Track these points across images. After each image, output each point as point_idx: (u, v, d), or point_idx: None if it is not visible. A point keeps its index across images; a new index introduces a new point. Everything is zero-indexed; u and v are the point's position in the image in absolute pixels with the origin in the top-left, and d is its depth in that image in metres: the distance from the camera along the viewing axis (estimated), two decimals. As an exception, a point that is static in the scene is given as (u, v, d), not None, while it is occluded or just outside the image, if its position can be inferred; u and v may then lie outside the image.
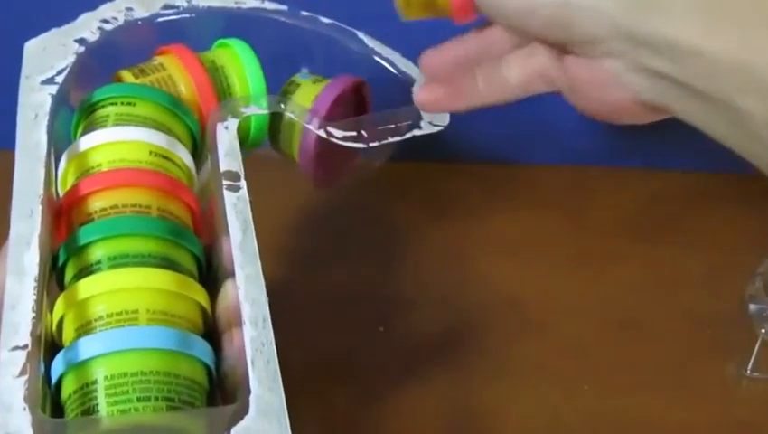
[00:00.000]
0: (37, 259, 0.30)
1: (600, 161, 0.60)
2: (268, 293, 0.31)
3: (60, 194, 0.35)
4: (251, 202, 0.34)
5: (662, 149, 0.61)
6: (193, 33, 0.42)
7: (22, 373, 0.27)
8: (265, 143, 0.43)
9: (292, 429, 0.28)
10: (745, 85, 0.22)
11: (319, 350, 0.47)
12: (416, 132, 0.39)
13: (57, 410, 0.29)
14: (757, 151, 0.24)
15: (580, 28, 0.27)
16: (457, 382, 0.46)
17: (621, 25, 0.25)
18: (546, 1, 0.27)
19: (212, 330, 0.33)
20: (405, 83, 0.43)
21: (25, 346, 0.27)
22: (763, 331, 0.46)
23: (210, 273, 0.34)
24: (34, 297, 0.29)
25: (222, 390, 0.31)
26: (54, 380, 0.29)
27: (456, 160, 0.63)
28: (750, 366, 0.46)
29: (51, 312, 0.31)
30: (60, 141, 0.36)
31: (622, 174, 0.59)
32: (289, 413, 0.28)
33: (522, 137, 0.59)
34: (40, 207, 0.31)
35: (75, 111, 0.37)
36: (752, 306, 0.46)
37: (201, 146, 0.38)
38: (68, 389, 0.29)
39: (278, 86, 0.43)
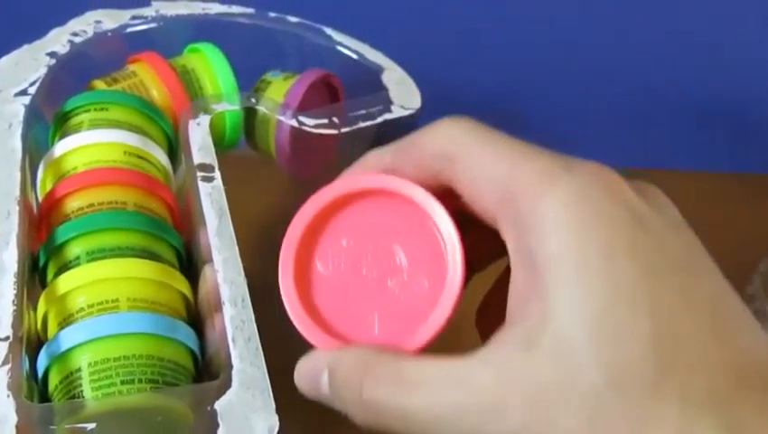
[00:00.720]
0: (16, 257, 0.30)
1: (599, 161, 0.61)
2: (259, 290, 0.31)
3: (40, 200, 0.36)
4: (235, 191, 0.34)
5: (661, 149, 0.62)
6: (163, 42, 0.43)
7: (4, 363, 0.27)
8: (241, 143, 0.43)
9: (277, 409, 0.28)
10: None
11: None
12: (388, 116, 0.40)
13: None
14: None
15: None
16: None
17: None
18: None
19: (196, 319, 0.33)
20: (375, 72, 0.44)
21: (7, 338, 0.28)
22: (762, 331, 0.45)
23: (191, 268, 0.35)
24: (14, 292, 0.29)
25: (208, 374, 0.32)
26: (41, 375, 0.30)
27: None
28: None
29: (35, 310, 0.31)
30: (36, 153, 0.37)
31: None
32: (282, 412, 0.28)
33: (521, 137, 0.60)
34: (17, 208, 0.32)
35: (50, 123, 0.38)
36: (752, 306, 0.46)
37: (176, 148, 0.39)
38: (54, 381, 0.29)
39: (251, 86, 0.44)
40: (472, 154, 0.22)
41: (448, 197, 0.24)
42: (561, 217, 0.20)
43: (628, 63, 0.60)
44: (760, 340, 0.20)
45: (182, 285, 0.32)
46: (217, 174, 0.35)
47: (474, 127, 0.23)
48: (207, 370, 0.32)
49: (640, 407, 0.19)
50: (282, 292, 0.25)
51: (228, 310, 0.30)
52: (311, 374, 0.24)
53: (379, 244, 0.25)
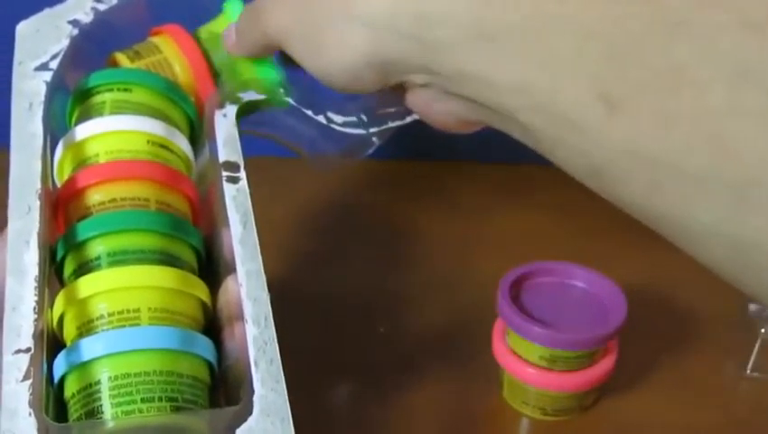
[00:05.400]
0: (36, 259, 0.30)
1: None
2: (270, 291, 0.31)
3: (57, 183, 0.35)
4: (251, 193, 0.33)
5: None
6: (189, 9, 0.41)
7: (26, 378, 0.27)
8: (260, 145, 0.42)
9: (295, 428, 0.28)
10: (523, 103, 0.26)
11: (320, 349, 0.47)
12: (416, 116, 0.39)
13: (59, 407, 0.30)
14: (557, 159, 0.27)
15: (391, 77, 0.31)
16: (458, 382, 0.46)
17: (418, 64, 0.29)
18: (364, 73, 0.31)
19: (213, 324, 0.33)
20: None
21: (28, 349, 0.28)
22: (762, 331, 0.45)
23: (211, 264, 0.34)
24: (35, 298, 0.29)
25: (225, 383, 0.32)
26: (57, 378, 0.29)
27: (460, 160, 0.62)
28: (750, 366, 0.46)
29: (52, 307, 0.31)
30: (56, 125, 0.35)
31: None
32: (291, 412, 0.28)
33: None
34: (38, 202, 0.31)
35: (70, 95, 0.37)
36: (752, 306, 0.46)
37: (198, 131, 0.38)
38: (71, 388, 0.29)
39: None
40: None
41: None
42: None
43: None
44: None
45: (202, 292, 0.32)
46: (242, 173, 0.34)
47: None
48: (223, 379, 0.32)
49: None
50: None
51: (250, 330, 0.30)
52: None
53: None
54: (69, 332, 0.30)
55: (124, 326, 0.29)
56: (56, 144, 0.35)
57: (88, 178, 0.33)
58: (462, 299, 0.51)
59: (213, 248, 0.34)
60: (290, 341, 0.31)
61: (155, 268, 0.31)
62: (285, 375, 0.29)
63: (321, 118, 0.38)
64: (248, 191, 0.34)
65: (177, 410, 0.29)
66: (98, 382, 0.28)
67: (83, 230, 0.31)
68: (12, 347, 0.27)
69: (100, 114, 0.35)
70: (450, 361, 0.47)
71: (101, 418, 0.28)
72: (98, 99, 0.35)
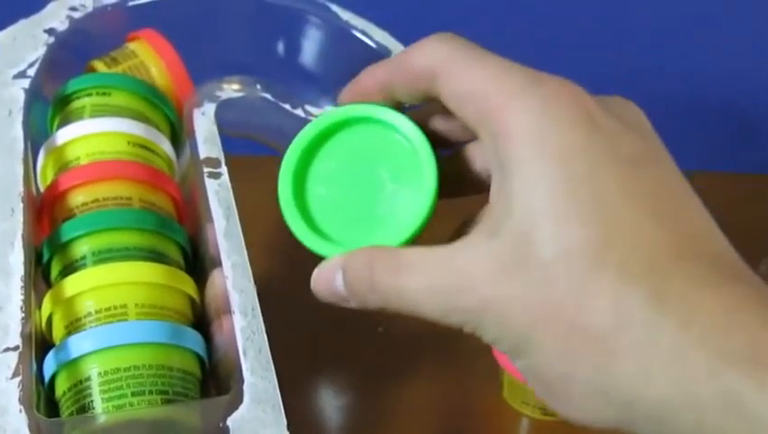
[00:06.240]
0: (22, 259, 0.30)
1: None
2: (266, 292, 0.31)
3: (41, 189, 0.35)
4: (238, 192, 0.34)
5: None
6: (167, 16, 0.41)
7: (15, 375, 0.27)
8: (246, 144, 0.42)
9: (287, 418, 0.28)
10: None
11: (318, 349, 0.47)
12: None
13: (51, 406, 0.30)
14: None
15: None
16: (458, 381, 0.46)
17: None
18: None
19: (202, 319, 0.33)
20: (382, 55, 0.43)
21: (16, 347, 0.28)
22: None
23: (197, 261, 0.34)
24: (22, 297, 0.29)
25: (215, 377, 0.32)
26: (47, 378, 0.29)
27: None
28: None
29: (40, 309, 0.31)
30: (36, 134, 0.36)
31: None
32: (287, 412, 0.28)
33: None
34: (21, 205, 0.31)
35: (50, 104, 0.37)
36: None
37: (180, 132, 0.38)
38: (62, 387, 0.29)
39: (253, 63, 0.43)
40: (455, 70, 0.24)
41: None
42: (523, 125, 0.23)
43: (626, 63, 0.60)
44: (703, 219, 0.23)
45: (189, 286, 0.32)
46: (223, 168, 0.34)
47: (460, 44, 0.25)
48: (214, 373, 0.32)
49: (581, 279, 0.21)
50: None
51: (238, 320, 0.30)
52: (327, 276, 0.26)
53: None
54: (57, 332, 0.30)
55: (111, 322, 0.29)
56: (37, 151, 0.35)
57: (71, 180, 0.33)
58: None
59: (199, 245, 0.34)
60: (285, 340, 0.31)
61: (141, 263, 0.31)
62: (280, 376, 0.29)
63: (299, 112, 0.38)
64: (229, 185, 0.34)
65: (168, 402, 0.29)
66: (88, 379, 0.28)
67: (67, 230, 0.31)
68: (0, 346, 0.27)
69: (80, 118, 0.35)
70: (450, 361, 0.47)
71: (93, 413, 0.28)
72: (77, 103, 0.36)
